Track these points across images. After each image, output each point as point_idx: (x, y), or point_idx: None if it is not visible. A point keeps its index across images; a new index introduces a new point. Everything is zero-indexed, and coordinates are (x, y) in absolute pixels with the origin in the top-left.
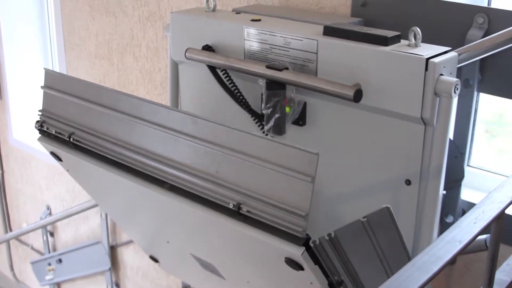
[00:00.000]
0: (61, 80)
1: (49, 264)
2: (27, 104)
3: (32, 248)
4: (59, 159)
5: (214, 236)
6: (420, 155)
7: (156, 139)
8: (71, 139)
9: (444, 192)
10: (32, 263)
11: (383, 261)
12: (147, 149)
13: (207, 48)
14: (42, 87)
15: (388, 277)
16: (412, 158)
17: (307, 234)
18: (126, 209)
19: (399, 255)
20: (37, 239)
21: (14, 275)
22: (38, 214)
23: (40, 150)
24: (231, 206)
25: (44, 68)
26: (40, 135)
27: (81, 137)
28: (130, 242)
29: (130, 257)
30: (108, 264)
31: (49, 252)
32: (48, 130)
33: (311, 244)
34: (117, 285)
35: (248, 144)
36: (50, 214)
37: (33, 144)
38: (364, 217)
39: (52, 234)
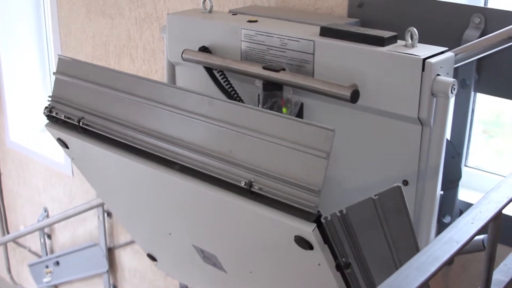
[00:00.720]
0: (73, 65)
1: (47, 267)
2: (24, 106)
3: (30, 250)
4: (65, 146)
5: (222, 218)
6: (417, 156)
7: (168, 120)
8: (81, 123)
9: (442, 192)
10: (30, 265)
11: (391, 246)
12: (158, 131)
13: (204, 49)
14: (54, 73)
15: (395, 264)
16: (409, 159)
17: (318, 211)
18: (131, 199)
19: (407, 241)
20: (34, 242)
21: (11, 277)
22: (36, 216)
23: (38, 152)
24: (242, 184)
25: (58, 55)
26: (48, 121)
27: (91, 121)
28: (127, 244)
29: (128, 259)
30: (105, 266)
31: (47, 254)
32: (57, 116)
33: (323, 221)
34: (115, 287)
35: (264, 122)
36: (47, 216)
37: (30, 146)
38: (375, 195)
39: (49, 237)
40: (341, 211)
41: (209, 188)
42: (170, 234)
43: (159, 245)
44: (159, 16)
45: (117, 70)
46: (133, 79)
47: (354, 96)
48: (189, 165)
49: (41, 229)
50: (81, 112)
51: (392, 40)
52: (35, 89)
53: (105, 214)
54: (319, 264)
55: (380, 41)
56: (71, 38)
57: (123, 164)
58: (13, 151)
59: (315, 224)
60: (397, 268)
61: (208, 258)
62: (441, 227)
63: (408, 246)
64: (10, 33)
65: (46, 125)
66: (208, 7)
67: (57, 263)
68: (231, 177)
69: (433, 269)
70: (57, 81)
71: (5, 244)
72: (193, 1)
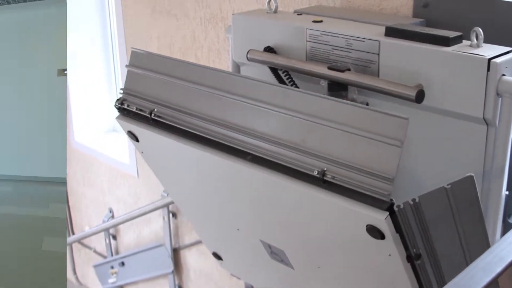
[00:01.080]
0: (146, 58)
1: (112, 267)
2: (89, 107)
3: (95, 251)
4: (136, 139)
5: (293, 210)
6: (482, 156)
7: (241, 111)
8: (152, 115)
9: (507, 192)
10: (95, 266)
11: (461, 236)
12: (230, 121)
13: (269, 49)
14: (126, 65)
15: (466, 260)
16: (474, 159)
17: (391, 199)
18: (200, 193)
19: (478, 233)
20: (99, 242)
21: (76, 278)
22: (101, 217)
23: (102, 153)
24: (315, 173)
25: (132, 48)
26: (119, 113)
27: (162, 113)
28: (193, 244)
29: (193, 259)
30: (171, 267)
31: (112, 255)
32: (129, 108)
33: (395, 209)
34: (180, 287)
35: (337, 112)
36: (112, 217)
37: (95, 146)
38: (448, 184)
39: (114, 237)
40: (413, 200)
41: (281, 178)
42: (238, 229)
43: (225, 243)
44: (224, 16)
45: (189, 62)
46: (205, 70)
47: (419, 96)
48: (261, 155)
49: (106, 229)
50: (152, 104)
51: (457, 40)
52: (100, 90)
53: (170, 215)
54: (389, 255)
55: (445, 41)
56: (136, 38)
57: (194, 156)
58: (78, 152)
59: (387, 213)
60: (466, 260)
61: (276, 254)
62: (507, 227)
63: (478, 238)
64: (76, 33)
65: (117, 117)
66: (273, 7)
67: (122, 263)
68: (304, 166)
69: (498, 269)
70: (129, 74)
71: (70, 245)
72: (258, 1)
